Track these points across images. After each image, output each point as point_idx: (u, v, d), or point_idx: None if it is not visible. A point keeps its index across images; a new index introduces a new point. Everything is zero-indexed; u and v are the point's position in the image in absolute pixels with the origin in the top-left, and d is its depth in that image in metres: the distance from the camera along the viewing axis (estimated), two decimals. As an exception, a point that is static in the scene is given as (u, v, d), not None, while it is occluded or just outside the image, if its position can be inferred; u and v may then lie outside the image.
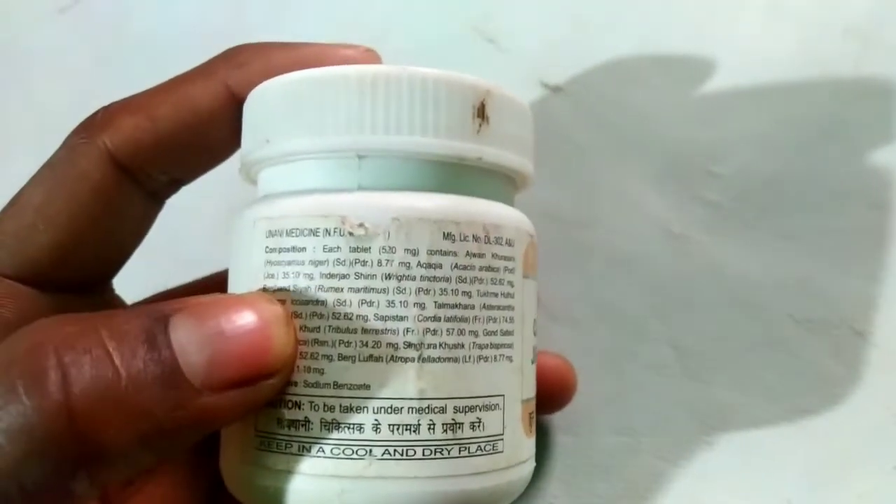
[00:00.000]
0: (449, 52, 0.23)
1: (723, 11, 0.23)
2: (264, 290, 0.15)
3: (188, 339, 0.13)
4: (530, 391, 0.17)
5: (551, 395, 0.21)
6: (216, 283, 0.21)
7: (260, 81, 0.17)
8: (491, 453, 0.15)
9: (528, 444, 0.17)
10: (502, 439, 0.16)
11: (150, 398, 0.13)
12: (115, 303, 0.20)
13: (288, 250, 0.15)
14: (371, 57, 0.18)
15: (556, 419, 0.23)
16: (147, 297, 0.20)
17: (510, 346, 0.16)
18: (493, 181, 0.17)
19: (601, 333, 0.23)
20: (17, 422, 0.12)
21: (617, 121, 0.23)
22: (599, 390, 0.22)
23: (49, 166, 0.18)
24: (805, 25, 0.23)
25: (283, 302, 0.15)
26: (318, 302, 0.15)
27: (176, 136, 0.18)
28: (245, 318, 0.14)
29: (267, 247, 0.16)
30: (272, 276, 0.15)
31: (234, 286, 0.16)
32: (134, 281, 0.20)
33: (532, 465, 0.17)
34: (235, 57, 0.18)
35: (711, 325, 0.22)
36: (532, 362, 0.17)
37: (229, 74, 0.18)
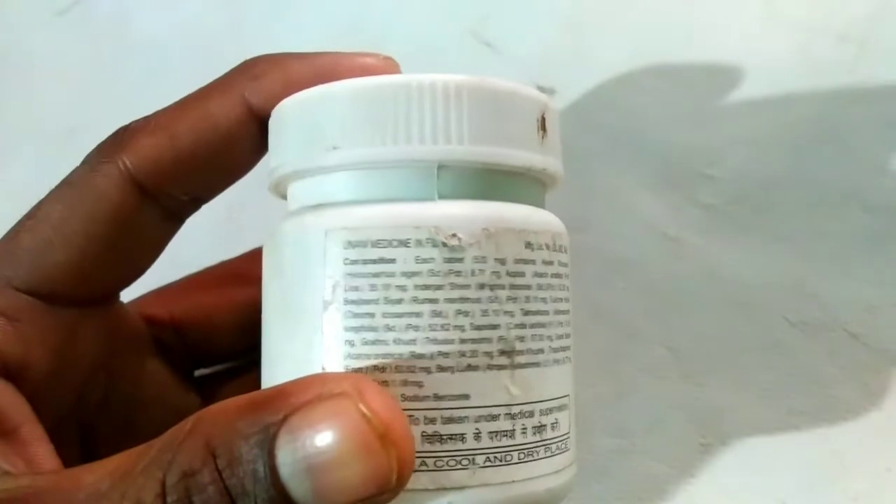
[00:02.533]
0: (446, 56, 0.23)
1: (719, 16, 0.24)
2: (344, 302, 0.15)
3: (292, 469, 0.13)
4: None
5: None
6: (213, 277, 0.22)
7: (278, 93, 0.17)
8: (564, 451, 0.16)
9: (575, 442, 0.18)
10: (570, 437, 0.17)
11: None
12: (121, 310, 0.20)
13: (374, 262, 0.15)
14: (390, 65, 0.18)
15: None
16: (143, 293, 0.21)
17: (569, 348, 0.17)
18: (542, 189, 0.18)
19: (597, 336, 0.23)
20: None
21: (612, 124, 0.24)
22: (595, 392, 0.23)
23: (68, 184, 0.18)
24: (800, 30, 0.23)
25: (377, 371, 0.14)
26: (413, 314, 0.15)
27: (196, 154, 0.18)
28: (334, 446, 0.13)
29: (346, 258, 0.15)
30: (356, 288, 0.15)
31: (294, 300, 0.16)
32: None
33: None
34: (252, 69, 0.18)
35: (706, 328, 0.23)
36: (571, 362, 0.18)
37: (246, 87, 0.18)
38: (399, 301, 0.15)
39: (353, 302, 0.15)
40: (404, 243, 0.15)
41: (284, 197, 0.18)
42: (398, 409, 0.14)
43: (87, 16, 0.27)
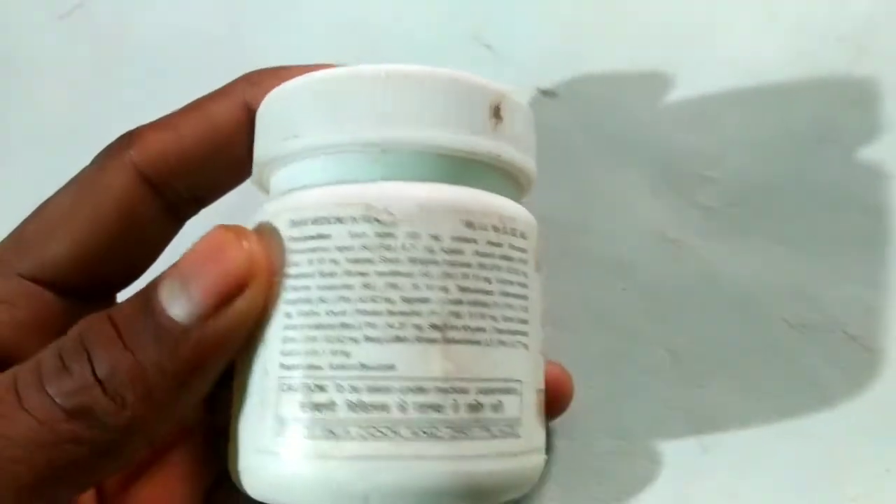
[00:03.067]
0: (447, 58, 0.24)
1: (718, 18, 0.24)
2: (285, 276, 0.16)
3: (170, 293, 0.15)
4: (541, 382, 0.17)
5: (548, 402, 0.21)
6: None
7: None
8: (510, 436, 0.16)
9: (542, 434, 0.17)
10: (521, 424, 0.16)
11: (154, 355, 0.15)
12: None
13: (313, 238, 0.16)
14: None
15: (552, 422, 0.23)
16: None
17: (525, 333, 0.17)
18: (504, 179, 0.18)
19: (596, 337, 0.23)
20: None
21: (612, 126, 0.24)
22: (595, 394, 0.23)
23: (76, 178, 0.19)
24: (799, 32, 0.23)
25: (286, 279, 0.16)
26: (344, 286, 0.15)
27: (198, 150, 0.19)
28: (202, 252, 0.15)
29: (289, 236, 0.16)
30: (296, 263, 0.16)
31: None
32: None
33: (544, 456, 0.18)
34: (252, 77, 0.19)
35: (706, 330, 0.22)
36: (541, 354, 0.18)
37: (246, 91, 0.19)
38: (332, 274, 0.15)
39: (292, 276, 0.16)
40: (340, 220, 0.16)
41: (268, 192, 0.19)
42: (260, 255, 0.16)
43: (88, 19, 0.28)
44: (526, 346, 0.16)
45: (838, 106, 0.23)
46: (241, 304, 0.15)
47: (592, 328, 0.23)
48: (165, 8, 0.28)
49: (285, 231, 0.16)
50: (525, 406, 0.16)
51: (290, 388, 0.15)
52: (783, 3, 0.24)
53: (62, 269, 0.18)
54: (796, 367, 0.22)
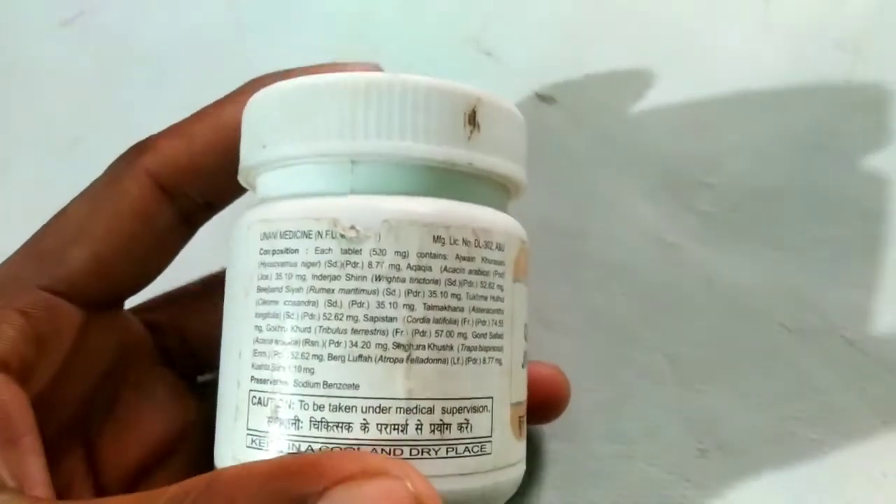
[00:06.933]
0: (446, 64, 0.24)
1: (716, 23, 0.24)
2: (257, 290, 0.16)
3: None
4: (520, 395, 0.17)
5: (545, 405, 0.21)
6: (213, 284, 0.21)
7: None
8: (478, 455, 0.16)
9: (518, 448, 0.17)
10: (490, 441, 0.16)
11: None
12: (124, 318, 0.20)
13: (281, 252, 0.16)
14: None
15: (550, 426, 0.23)
16: (147, 299, 0.21)
17: (499, 349, 0.16)
18: (485, 187, 0.17)
19: (595, 341, 0.23)
20: None
21: (611, 132, 0.24)
22: (593, 398, 0.23)
23: (91, 187, 0.19)
24: (797, 37, 0.23)
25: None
26: (309, 303, 0.15)
27: (210, 156, 0.19)
28: None
29: (261, 249, 0.16)
30: (266, 276, 0.16)
31: (230, 288, 0.17)
32: None
33: (522, 468, 0.17)
34: (260, 81, 0.19)
35: (704, 334, 0.22)
36: (522, 366, 0.17)
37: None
38: (298, 290, 0.15)
39: (263, 290, 0.16)
40: (307, 234, 0.15)
41: None
42: (435, 493, 0.14)
43: (91, 26, 0.28)
44: (499, 362, 0.16)
45: (836, 112, 0.23)
46: None
47: (591, 332, 0.23)
48: (168, 14, 0.28)
49: (257, 243, 0.16)
50: (497, 422, 0.16)
51: (259, 402, 0.15)
52: (781, 10, 0.24)
53: (81, 279, 0.18)
54: (794, 372, 0.22)
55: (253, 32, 0.27)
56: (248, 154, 0.17)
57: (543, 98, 0.24)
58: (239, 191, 0.20)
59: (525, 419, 0.18)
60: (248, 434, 0.16)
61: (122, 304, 0.20)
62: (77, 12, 0.29)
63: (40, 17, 0.29)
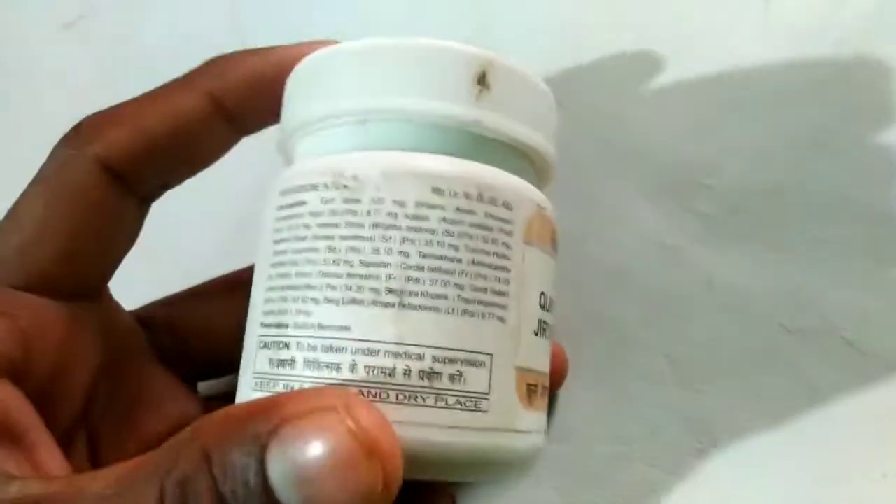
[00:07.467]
0: None
1: (716, 25, 0.24)
2: (272, 242, 0.17)
3: (281, 478, 0.13)
4: (532, 362, 0.17)
5: None
6: (217, 285, 0.22)
7: (239, 87, 0.19)
8: (472, 410, 0.15)
9: (527, 417, 0.16)
10: (487, 399, 0.15)
11: None
12: (114, 307, 0.21)
13: (292, 205, 0.16)
14: None
15: (550, 427, 0.22)
16: (152, 301, 0.22)
17: (502, 306, 0.16)
18: (497, 149, 0.17)
19: (595, 343, 0.23)
20: None
21: (611, 133, 0.24)
22: (593, 399, 0.23)
23: (42, 180, 0.18)
24: (797, 37, 0.23)
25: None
26: (311, 249, 0.16)
27: (165, 144, 0.18)
28: (329, 460, 0.13)
29: (278, 205, 0.17)
30: (279, 230, 0.17)
31: (258, 249, 0.18)
32: (137, 289, 0.21)
33: (534, 441, 0.17)
34: (214, 68, 0.19)
35: (704, 335, 0.22)
36: (536, 334, 0.17)
37: (211, 84, 0.19)
38: (303, 238, 0.16)
39: (275, 241, 0.17)
40: (315, 187, 0.16)
41: None
42: (386, 425, 0.14)
43: (93, 28, 0.28)
44: (501, 320, 0.16)
45: (836, 112, 0.22)
46: None
47: (591, 334, 0.23)
48: (169, 16, 0.28)
49: (276, 200, 0.17)
50: (497, 381, 0.16)
51: (265, 346, 0.16)
52: (781, 10, 0.23)
53: (50, 276, 0.18)
54: (794, 372, 0.22)
55: (253, 36, 0.27)
56: (283, 124, 0.19)
57: None
58: (193, 172, 0.20)
59: (543, 392, 0.17)
60: (254, 377, 0.16)
61: (102, 294, 0.20)
62: (78, 15, 0.29)
63: (42, 19, 0.29)
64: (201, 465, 0.13)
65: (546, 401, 0.18)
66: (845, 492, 0.21)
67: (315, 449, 0.13)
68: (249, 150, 0.21)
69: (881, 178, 0.22)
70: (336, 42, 0.18)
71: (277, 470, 0.13)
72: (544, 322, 0.17)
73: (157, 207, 0.20)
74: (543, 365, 0.17)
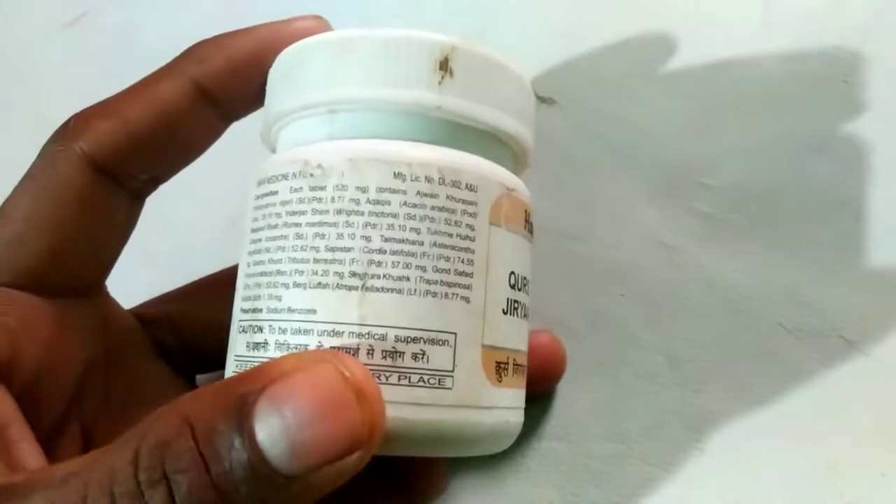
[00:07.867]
0: None
1: (715, 26, 0.24)
2: (249, 231, 0.17)
3: (272, 438, 0.13)
4: (500, 340, 0.17)
5: (542, 372, 0.21)
6: (212, 281, 0.22)
7: (223, 72, 0.19)
8: (435, 387, 0.16)
9: (497, 394, 0.17)
10: (451, 376, 0.16)
11: (246, 500, 0.13)
12: (110, 304, 0.21)
13: (266, 195, 0.17)
14: (322, 24, 0.19)
15: (550, 426, 0.23)
16: (148, 299, 0.22)
17: (466, 286, 0.16)
18: (467, 134, 0.17)
19: (594, 342, 0.23)
20: None
21: (610, 133, 0.24)
22: (593, 398, 0.23)
23: (30, 177, 0.18)
24: (796, 40, 0.23)
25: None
26: (282, 237, 0.16)
27: (150, 135, 0.18)
28: (316, 403, 0.13)
29: (255, 195, 0.18)
30: (255, 219, 0.17)
31: (241, 234, 0.18)
32: (135, 288, 0.22)
33: (504, 417, 0.17)
34: (196, 53, 0.19)
35: (703, 334, 0.22)
36: (506, 313, 0.17)
37: (194, 70, 0.19)
38: (275, 226, 0.17)
39: (252, 230, 0.17)
40: (285, 177, 0.17)
41: None
42: (370, 374, 0.15)
43: (94, 27, 0.28)
44: (466, 300, 0.16)
45: (835, 113, 0.22)
46: (350, 462, 0.14)
47: (591, 333, 0.23)
48: (171, 16, 0.29)
49: (253, 191, 0.18)
50: (462, 359, 0.16)
51: (243, 330, 0.17)
52: (781, 10, 0.23)
53: (39, 273, 0.18)
54: (793, 372, 0.22)
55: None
56: (264, 117, 0.19)
57: (543, 100, 0.24)
58: (183, 163, 0.20)
59: (517, 369, 0.17)
60: (234, 360, 0.17)
61: (98, 291, 0.20)
62: (80, 14, 0.29)
63: (43, 18, 0.29)
64: (182, 427, 0.13)
65: (523, 378, 0.18)
66: (844, 491, 0.21)
67: (304, 396, 0.13)
68: (245, 148, 0.21)
69: (880, 178, 0.22)
70: (321, 18, 0.19)
71: (264, 423, 0.13)
72: (516, 301, 0.17)
73: (153, 206, 0.21)
74: (517, 343, 0.17)
